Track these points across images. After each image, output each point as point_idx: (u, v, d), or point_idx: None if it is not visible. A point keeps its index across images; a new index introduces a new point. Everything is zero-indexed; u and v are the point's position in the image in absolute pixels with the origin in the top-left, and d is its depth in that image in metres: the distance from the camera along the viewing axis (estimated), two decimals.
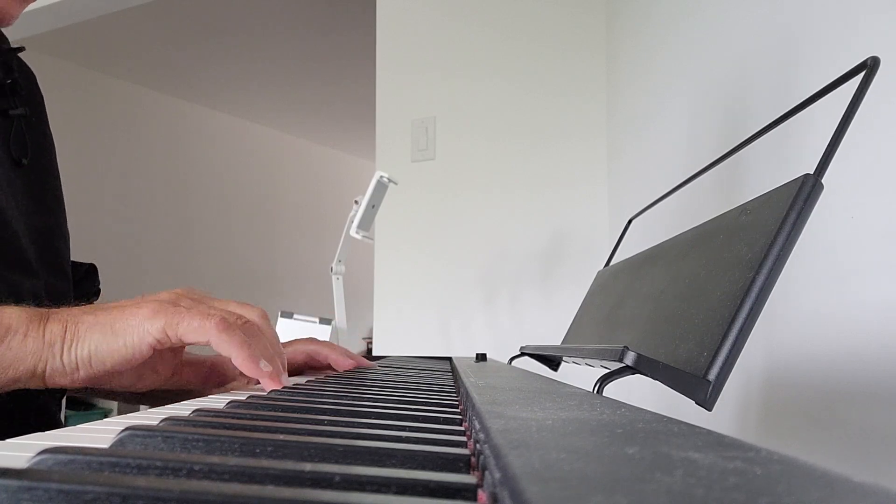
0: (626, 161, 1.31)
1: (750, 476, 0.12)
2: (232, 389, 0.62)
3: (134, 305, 0.43)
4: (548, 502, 0.10)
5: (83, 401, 3.18)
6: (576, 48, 1.54)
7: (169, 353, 0.49)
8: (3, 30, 0.62)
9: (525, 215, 1.55)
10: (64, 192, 0.69)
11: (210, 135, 4.24)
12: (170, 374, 0.50)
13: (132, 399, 0.71)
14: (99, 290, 0.74)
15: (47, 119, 0.68)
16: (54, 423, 0.61)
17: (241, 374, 0.51)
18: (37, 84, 0.68)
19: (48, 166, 0.66)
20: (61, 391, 0.64)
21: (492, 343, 1.53)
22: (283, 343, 0.53)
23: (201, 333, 0.41)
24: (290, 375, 0.65)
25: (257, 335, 0.44)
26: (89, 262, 0.74)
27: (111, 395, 0.70)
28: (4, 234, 0.55)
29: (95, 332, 0.41)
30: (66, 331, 0.41)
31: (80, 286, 0.70)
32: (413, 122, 1.68)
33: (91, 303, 0.71)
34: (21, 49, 0.65)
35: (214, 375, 0.53)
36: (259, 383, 0.45)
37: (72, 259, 0.69)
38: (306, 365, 0.69)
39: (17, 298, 0.45)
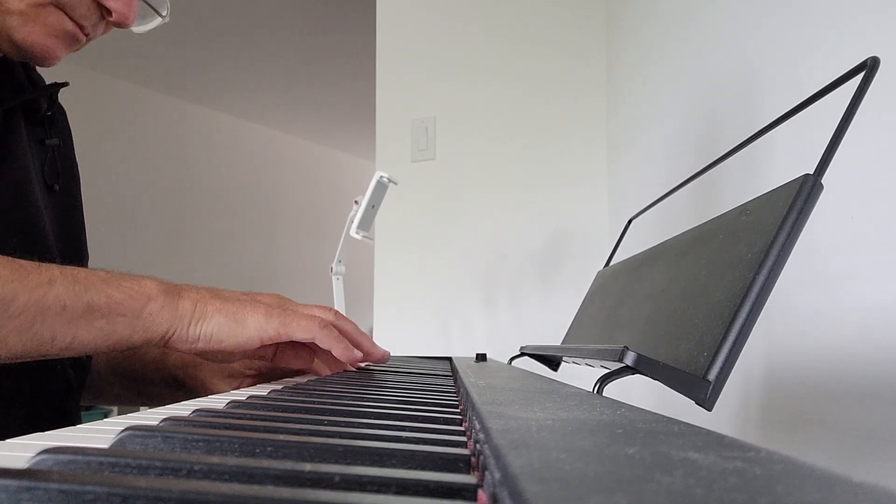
0: (626, 161, 1.31)
1: (750, 476, 0.12)
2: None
3: (252, 303, 0.51)
4: (548, 502, 0.10)
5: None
6: (576, 48, 1.54)
7: (271, 346, 0.57)
8: None
9: (525, 215, 1.55)
10: None
11: (210, 135, 4.24)
12: (271, 356, 0.57)
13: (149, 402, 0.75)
14: None
15: (74, 149, 0.73)
16: (73, 421, 0.64)
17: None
18: (67, 120, 0.74)
19: (76, 193, 0.71)
20: (79, 392, 0.67)
21: (492, 343, 1.53)
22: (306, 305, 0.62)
23: (308, 332, 0.51)
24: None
25: (347, 323, 0.57)
26: (88, 261, 0.75)
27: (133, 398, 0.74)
28: (45, 250, 0.60)
29: (221, 316, 0.49)
30: (195, 308, 0.49)
31: None
32: (413, 122, 1.68)
33: None
34: (65, 84, 0.70)
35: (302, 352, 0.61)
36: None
37: None
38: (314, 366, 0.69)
39: None
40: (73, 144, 0.74)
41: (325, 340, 0.52)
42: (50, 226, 0.63)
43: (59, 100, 0.74)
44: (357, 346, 0.58)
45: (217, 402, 0.38)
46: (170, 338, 0.48)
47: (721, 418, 0.69)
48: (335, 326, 0.54)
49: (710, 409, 0.30)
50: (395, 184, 1.35)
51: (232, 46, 3.33)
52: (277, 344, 0.57)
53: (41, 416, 0.59)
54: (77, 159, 0.74)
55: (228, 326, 0.49)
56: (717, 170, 0.52)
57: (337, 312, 0.57)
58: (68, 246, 0.67)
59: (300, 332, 0.51)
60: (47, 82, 0.70)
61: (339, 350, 0.52)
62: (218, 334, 0.49)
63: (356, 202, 1.38)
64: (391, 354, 0.71)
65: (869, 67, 0.32)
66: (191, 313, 0.48)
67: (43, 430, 0.26)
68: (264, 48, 3.35)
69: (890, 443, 0.43)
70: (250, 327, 0.49)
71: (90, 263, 0.72)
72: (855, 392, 0.47)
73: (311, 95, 4.01)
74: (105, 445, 0.21)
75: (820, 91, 0.36)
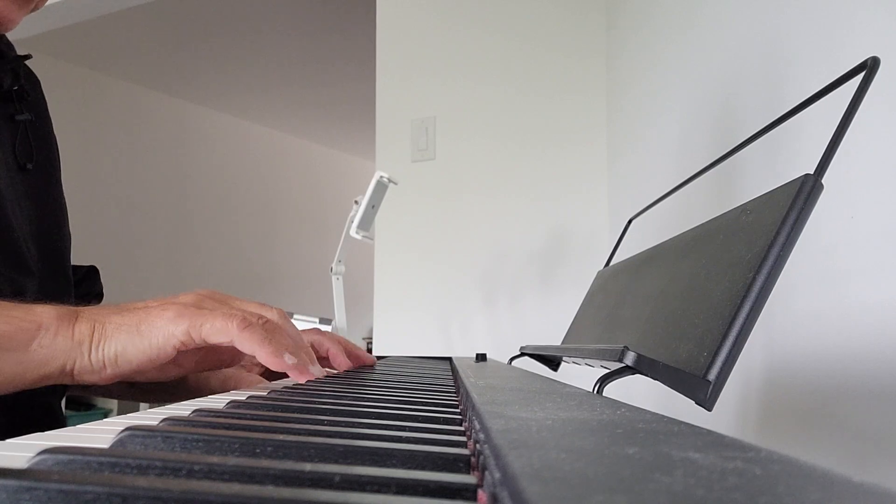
0: (626, 161, 1.31)
1: (750, 476, 0.12)
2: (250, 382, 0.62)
3: (159, 307, 0.44)
4: (548, 502, 0.10)
5: (83, 401, 3.19)
6: (576, 48, 1.54)
7: (192, 350, 0.50)
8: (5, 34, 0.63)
9: (525, 215, 1.55)
10: (65, 193, 0.70)
11: (210, 135, 4.24)
12: (193, 365, 0.51)
13: (140, 398, 0.72)
14: (101, 293, 0.75)
15: (52, 124, 0.69)
16: (58, 423, 0.61)
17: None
18: (41, 90, 0.69)
19: (52, 171, 0.66)
20: (63, 390, 0.64)
21: (492, 343, 1.53)
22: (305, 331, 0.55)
23: (224, 334, 0.43)
24: None
25: (278, 331, 0.45)
26: (90, 263, 0.74)
27: (119, 395, 0.70)
28: (8, 237, 0.56)
29: (122, 333, 0.43)
30: (94, 331, 0.43)
31: (80, 287, 0.70)
32: (413, 122, 1.68)
33: (92, 305, 0.71)
34: (28, 56, 0.65)
35: (235, 356, 0.54)
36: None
37: (73, 261, 0.70)
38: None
39: (21, 299, 0.45)
40: (49, 118, 0.69)
41: (246, 343, 0.43)
42: (20, 207, 0.59)
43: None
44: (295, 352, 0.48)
45: (217, 402, 0.38)
46: (71, 370, 0.42)
47: (721, 418, 0.69)
48: (268, 325, 0.45)
49: (710, 409, 0.31)
50: (395, 184, 1.35)
51: (232, 46, 3.33)
52: (202, 351, 0.49)
53: (23, 412, 0.56)
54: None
55: (132, 342, 0.43)
56: (718, 169, 0.52)
57: (268, 320, 0.46)
58: (42, 227, 0.63)
59: (214, 333, 0.43)
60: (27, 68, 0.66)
61: (263, 354, 0.43)
62: (123, 353, 0.43)
63: (356, 202, 1.38)
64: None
65: (869, 67, 0.32)
66: (89, 338, 0.42)
67: (26, 426, 0.26)
68: (264, 48, 3.36)
69: (890, 443, 0.43)
70: (157, 336, 0.43)
71: (73, 248, 0.69)
72: (855, 392, 0.47)
73: (312, 96, 4.01)
74: (105, 445, 0.21)
75: (820, 91, 0.36)
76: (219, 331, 0.43)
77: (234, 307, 0.47)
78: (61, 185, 0.68)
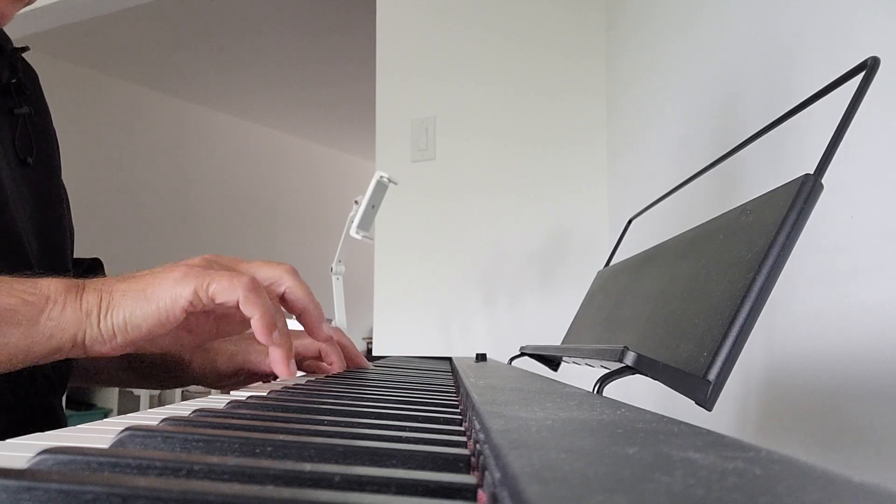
0: (626, 161, 1.31)
1: (750, 476, 0.12)
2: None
3: (165, 271, 0.44)
4: (548, 502, 0.10)
5: (83, 401, 3.19)
6: (576, 48, 1.54)
7: (204, 314, 0.49)
8: (4, 29, 0.62)
9: (525, 215, 1.55)
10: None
11: (210, 135, 4.24)
12: (207, 333, 0.50)
13: (146, 383, 0.71)
14: None
15: (51, 119, 0.69)
16: (59, 423, 0.61)
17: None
18: (40, 84, 0.69)
19: (52, 165, 0.66)
20: (63, 389, 0.64)
21: (492, 343, 1.53)
22: (300, 331, 0.54)
23: (231, 293, 0.42)
24: (299, 369, 0.65)
25: (299, 288, 0.47)
26: (94, 258, 0.74)
27: (126, 381, 0.70)
28: (9, 230, 0.56)
29: (129, 299, 0.42)
30: (101, 299, 0.42)
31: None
32: (413, 122, 1.68)
33: None
34: (25, 49, 0.65)
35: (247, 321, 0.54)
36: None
37: (75, 256, 0.70)
38: (315, 362, 0.68)
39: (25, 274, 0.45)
40: (48, 112, 0.68)
41: (250, 305, 0.42)
42: (21, 202, 0.59)
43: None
44: (300, 315, 0.49)
45: (217, 402, 0.38)
46: (82, 341, 0.41)
47: (721, 418, 0.69)
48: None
49: (710, 409, 0.31)
50: (395, 184, 1.35)
51: (232, 46, 3.33)
52: (214, 317, 0.49)
53: (23, 412, 0.55)
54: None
55: (139, 307, 0.42)
56: (718, 169, 0.52)
57: (292, 270, 0.48)
58: (43, 221, 0.62)
59: (221, 293, 0.42)
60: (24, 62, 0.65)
61: (261, 322, 0.43)
62: (132, 319, 0.42)
63: (356, 202, 1.38)
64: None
65: (869, 67, 0.32)
66: (97, 307, 0.42)
67: (27, 426, 0.26)
68: (264, 48, 3.36)
69: (890, 443, 0.43)
70: (164, 298, 0.42)
71: (77, 238, 0.69)
72: (855, 392, 0.47)
73: (312, 96, 4.01)
74: (105, 445, 0.21)
75: (820, 91, 0.36)
76: (225, 290, 0.42)
77: (242, 269, 0.47)
78: (62, 179, 0.68)
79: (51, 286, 0.42)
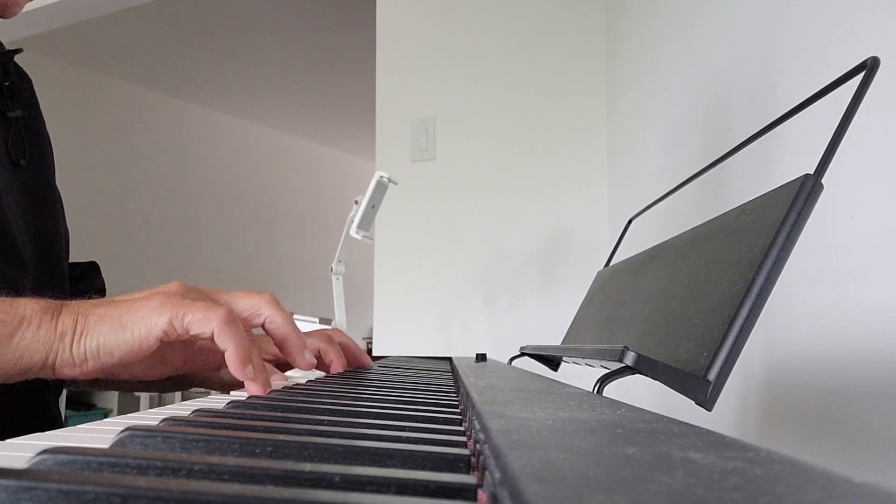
0: (626, 161, 1.31)
1: (750, 476, 0.12)
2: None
3: (143, 298, 0.44)
4: (548, 502, 0.10)
5: (83, 401, 3.19)
6: (576, 48, 1.54)
7: (179, 344, 0.49)
8: (2, 27, 0.62)
9: (525, 215, 1.55)
10: (64, 194, 0.69)
11: (210, 135, 4.24)
12: (180, 363, 0.50)
13: (141, 388, 0.71)
14: (104, 288, 0.74)
15: (44, 121, 0.69)
16: (56, 423, 0.61)
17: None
18: (32, 87, 0.69)
19: (45, 168, 0.66)
20: (59, 388, 0.64)
21: (492, 343, 1.53)
22: (304, 333, 0.54)
23: (206, 324, 0.42)
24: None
25: (278, 315, 0.47)
26: (90, 261, 0.74)
27: (122, 386, 0.70)
28: (4, 232, 0.56)
29: (104, 325, 0.42)
30: (76, 323, 0.42)
31: (80, 283, 0.70)
32: (413, 122, 1.68)
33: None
34: (18, 51, 0.65)
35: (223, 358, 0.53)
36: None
37: (73, 259, 0.70)
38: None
39: (16, 294, 0.45)
40: (41, 115, 0.68)
41: (224, 337, 0.42)
42: (15, 203, 0.59)
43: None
44: (280, 344, 0.49)
45: (217, 402, 0.38)
46: (52, 363, 0.41)
47: (721, 418, 0.69)
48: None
49: (710, 409, 0.30)
50: (395, 184, 1.35)
51: (232, 46, 3.33)
52: (188, 348, 0.49)
53: (19, 411, 0.56)
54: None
55: (114, 333, 0.42)
56: (718, 169, 0.52)
57: (272, 300, 0.47)
58: (37, 223, 0.62)
59: (196, 324, 0.42)
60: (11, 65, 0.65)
61: (234, 356, 0.42)
62: (105, 345, 0.42)
63: (356, 202, 1.38)
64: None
65: (869, 67, 0.32)
66: (72, 330, 0.41)
67: (21, 426, 0.26)
68: (264, 48, 3.36)
69: (890, 443, 0.43)
70: (139, 326, 0.42)
71: (74, 248, 0.68)
72: (855, 392, 0.47)
73: (312, 96, 4.01)
74: (105, 445, 0.21)
75: (820, 91, 0.36)
76: (200, 321, 0.42)
77: (221, 300, 0.47)
78: (55, 182, 0.68)
79: (27, 307, 0.42)
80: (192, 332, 0.42)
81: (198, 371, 0.54)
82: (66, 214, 0.70)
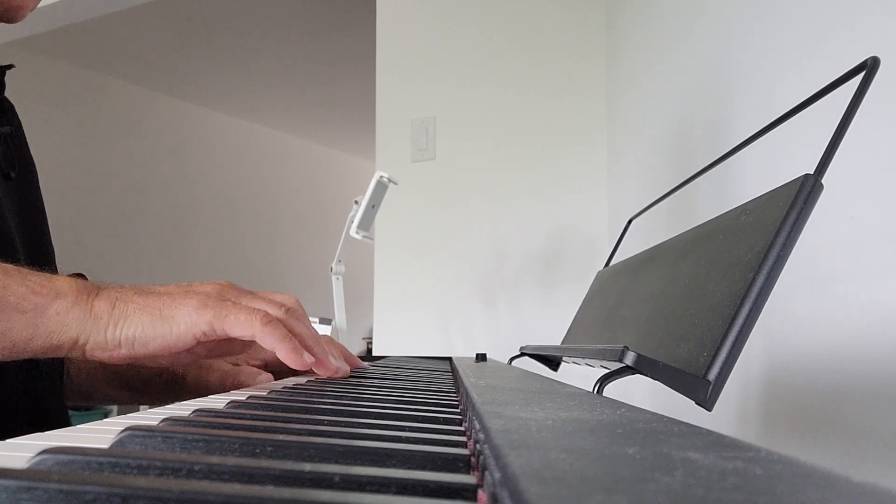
0: (626, 161, 1.31)
1: (750, 476, 0.12)
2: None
3: (182, 294, 0.44)
4: (548, 502, 0.10)
5: None
6: (576, 48, 1.54)
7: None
8: (3, 27, 0.63)
9: (525, 215, 1.55)
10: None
11: (210, 135, 4.24)
12: (205, 353, 0.50)
13: (136, 399, 0.72)
14: None
15: (26, 138, 0.70)
16: (60, 424, 0.61)
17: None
18: (14, 108, 0.69)
19: (32, 179, 0.67)
20: (61, 391, 0.64)
21: (492, 343, 1.53)
22: None
23: (247, 328, 0.43)
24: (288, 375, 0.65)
25: (301, 319, 0.47)
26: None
27: (116, 399, 0.71)
28: (3, 239, 0.56)
29: (144, 315, 0.42)
30: (114, 308, 0.42)
31: None
32: (413, 122, 1.68)
33: None
34: (10, 66, 0.66)
35: (245, 345, 0.54)
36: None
37: (64, 272, 0.70)
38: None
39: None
40: (24, 134, 0.69)
41: (267, 339, 0.43)
42: (8, 213, 0.59)
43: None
44: (308, 350, 0.49)
45: (217, 402, 0.38)
46: (84, 344, 0.42)
47: (721, 418, 0.69)
48: (284, 324, 0.46)
49: (710, 409, 0.31)
50: (395, 184, 1.35)
51: (232, 46, 3.33)
52: (216, 340, 0.49)
53: (23, 412, 0.55)
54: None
55: (153, 326, 0.42)
56: (718, 169, 0.52)
57: (290, 309, 0.48)
58: (29, 233, 0.63)
59: (238, 327, 0.43)
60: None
61: (284, 351, 0.43)
62: (142, 336, 0.42)
63: (356, 202, 1.38)
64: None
65: (869, 67, 0.32)
66: (108, 314, 0.42)
67: (25, 426, 0.25)
68: (264, 48, 3.36)
69: (890, 443, 0.43)
70: (179, 323, 0.42)
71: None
72: (855, 392, 0.47)
73: (312, 96, 4.01)
74: (105, 445, 0.21)
75: (820, 91, 0.36)
76: (242, 324, 0.43)
77: (255, 301, 0.47)
78: (41, 193, 0.69)
79: (64, 284, 0.42)
80: (230, 335, 0.43)
81: (221, 356, 0.55)
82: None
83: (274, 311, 0.46)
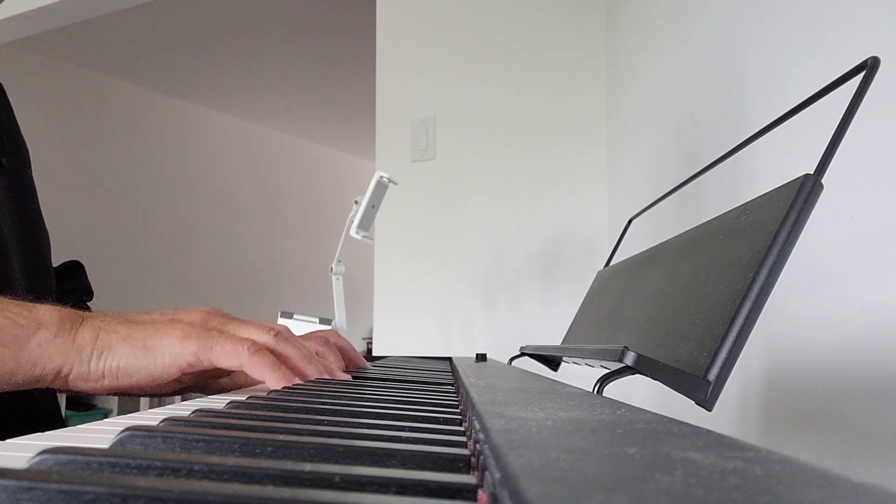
0: (626, 161, 1.31)
1: (750, 476, 0.12)
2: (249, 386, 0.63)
3: (167, 324, 0.43)
4: (548, 502, 0.10)
5: (83, 401, 3.19)
6: (576, 48, 1.54)
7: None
8: (2, 27, 0.63)
9: (525, 215, 1.55)
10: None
11: (210, 135, 4.24)
12: (192, 382, 0.50)
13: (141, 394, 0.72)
14: (90, 288, 0.74)
15: (19, 127, 0.69)
16: (59, 424, 0.61)
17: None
18: (5, 93, 0.68)
19: (24, 169, 0.66)
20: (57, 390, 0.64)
21: (492, 343, 1.53)
22: (300, 336, 0.54)
23: (234, 358, 0.42)
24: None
25: (291, 340, 0.46)
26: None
27: (122, 392, 0.70)
28: None
29: (128, 346, 0.42)
30: (97, 339, 0.42)
31: (66, 283, 0.71)
32: (413, 122, 1.68)
33: (82, 301, 0.71)
34: None
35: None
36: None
37: (63, 259, 0.70)
38: None
39: (37, 298, 0.45)
40: (16, 121, 0.68)
41: (255, 369, 0.42)
42: (4, 201, 0.59)
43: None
44: (300, 376, 0.48)
45: (217, 402, 0.38)
46: (67, 375, 0.41)
47: (721, 418, 0.69)
48: (273, 351, 0.44)
49: (710, 409, 0.30)
50: (395, 184, 1.35)
51: (232, 46, 3.33)
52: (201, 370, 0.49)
53: (22, 412, 0.55)
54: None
55: (136, 357, 0.42)
56: (718, 170, 0.52)
57: (279, 333, 0.46)
58: (23, 223, 0.63)
59: (224, 357, 0.42)
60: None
61: (274, 381, 0.42)
62: (126, 367, 0.42)
63: (356, 202, 1.38)
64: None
65: (869, 67, 0.32)
66: (91, 345, 0.41)
67: (24, 426, 0.26)
68: (264, 48, 3.36)
69: (890, 443, 0.43)
70: (164, 354, 0.42)
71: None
72: (855, 392, 0.47)
73: (312, 96, 4.01)
74: (105, 445, 0.21)
75: (820, 91, 0.36)
76: (229, 355, 0.42)
77: (243, 330, 0.46)
78: (34, 184, 0.68)
79: (46, 313, 0.41)
80: (218, 365, 0.42)
81: (206, 380, 0.54)
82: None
83: (261, 338, 0.45)
